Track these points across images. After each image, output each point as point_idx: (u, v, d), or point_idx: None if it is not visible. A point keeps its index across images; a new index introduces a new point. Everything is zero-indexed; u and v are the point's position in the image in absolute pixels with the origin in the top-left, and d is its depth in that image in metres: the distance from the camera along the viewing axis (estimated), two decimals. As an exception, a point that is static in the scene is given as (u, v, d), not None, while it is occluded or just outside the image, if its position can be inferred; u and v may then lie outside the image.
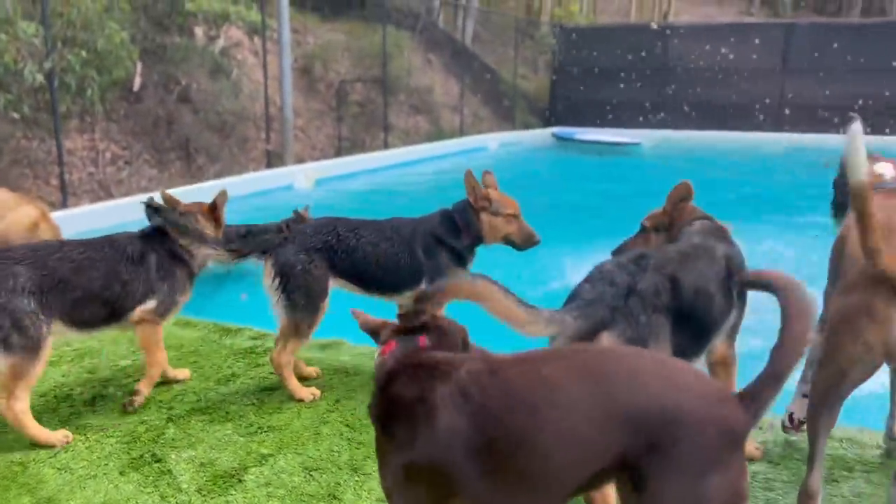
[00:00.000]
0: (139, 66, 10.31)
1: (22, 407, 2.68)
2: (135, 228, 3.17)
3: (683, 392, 1.45)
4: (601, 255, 2.58)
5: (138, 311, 2.97)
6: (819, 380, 2.20)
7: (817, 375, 2.22)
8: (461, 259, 3.33)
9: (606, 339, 2.01)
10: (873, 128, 16.91)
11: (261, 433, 2.85)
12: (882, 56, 17.37)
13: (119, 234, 3.06)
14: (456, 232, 3.32)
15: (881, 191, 2.81)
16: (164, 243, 3.07)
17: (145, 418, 2.99)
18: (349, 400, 3.16)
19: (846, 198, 2.82)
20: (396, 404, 1.57)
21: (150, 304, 2.99)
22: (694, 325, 2.26)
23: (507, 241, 3.39)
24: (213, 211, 3.25)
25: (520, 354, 1.61)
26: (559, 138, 17.99)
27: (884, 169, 2.88)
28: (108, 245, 2.96)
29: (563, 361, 1.54)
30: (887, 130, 16.81)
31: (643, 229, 2.86)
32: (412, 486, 1.56)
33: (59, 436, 2.76)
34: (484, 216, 3.34)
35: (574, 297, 2.13)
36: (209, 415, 3.00)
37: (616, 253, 2.79)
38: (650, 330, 2.09)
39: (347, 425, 2.93)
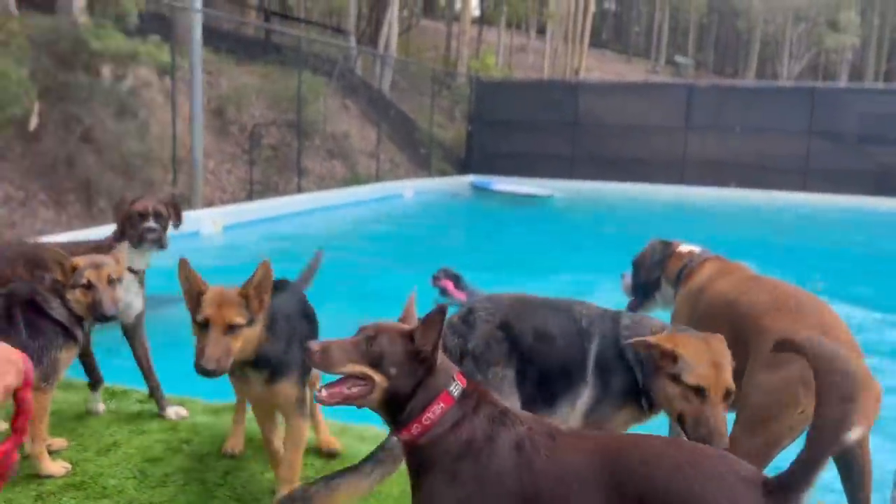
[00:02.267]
0: (37, 105, 9.86)
1: None
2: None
3: (699, 479, 1.48)
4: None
5: None
6: (750, 449, 2.23)
7: (745, 445, 2.25)
8: None
9: None
10: (763, 183, 18.07)
11: (141, 510, 2.65)
12: (772, 116, 18.62)
13: None
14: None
15: (710, 259, 2.99)
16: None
17: (9, 496, 2.73)
18: (240, 472, 2.99)
19: (650, 276, 3.00)
20: (465, 441, 1.69)
21: None
22: (537, 369, 2.23)
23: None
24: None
25: (569, 428, 1.81)
26: (476, 188, 18.31)
27: (690, 246, 3.12)
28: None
29: (592, 443, 1.68)
30: (773, 185, 17.95)
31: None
32: None
33: None
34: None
35: None
36: (84, 490, 2.78)
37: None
38: (491, 387, 2.06)
39: (238, 500, 2.77)
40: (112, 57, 10.91)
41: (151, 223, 3.24)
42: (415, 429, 1.71)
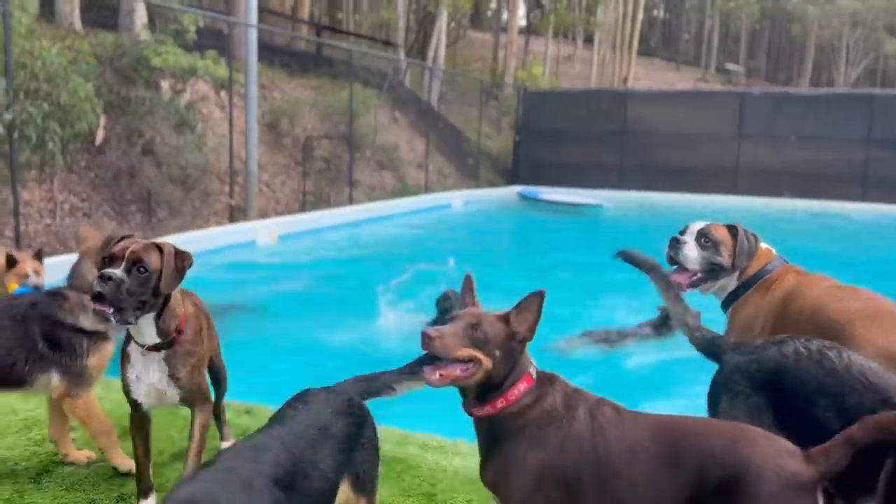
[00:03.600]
0: (103, 119, 10.24)
1: None
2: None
3: (750, 448, 1.72)
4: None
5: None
6: None
7: None
8: None
9: None
10: (819, 192, 17.62)
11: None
12: (829, 124, 18.17)
13: None
14: None
15: (791, 269, 2.90)
16: None
17: (92, 497, 2.85)
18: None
19: (737, 263, 2.93)
20: (547, 412, 1.89)
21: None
22: None
23: None
24: None
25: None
26: (524, 197, 18.27)
27: (769, 246, 3.04)
28: None
29: (651, 419, 1.89)
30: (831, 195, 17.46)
31: None
32: (544, 484, 1.85)
33: None
34: None
35: None
36: (162, 493, 2.88)
37: None
38: None
39: None
40: (171, 72, 11.26)
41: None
42: (499, 403, 1.90)
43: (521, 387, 1.91)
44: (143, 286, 2.32)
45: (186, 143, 11.36)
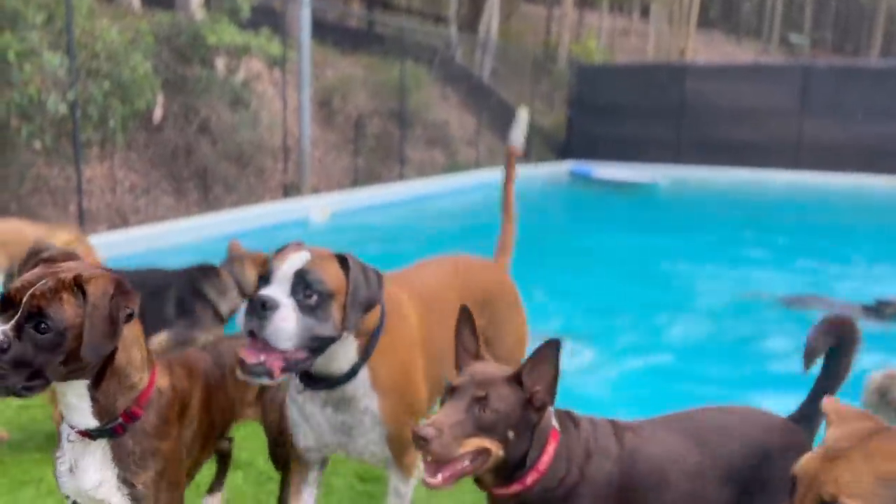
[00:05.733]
0: (161, 98, 10.43)
1: None
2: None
3: (764, 432, 1.77)
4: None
5: None
6: None
7: None
8: None
9: None
10: (889, 168, 16.88)
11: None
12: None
13: None
14: None
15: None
16: None
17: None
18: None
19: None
20: (580, 472, 1.70)
21: None
22: None
23: None
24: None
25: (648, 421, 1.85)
26: (575, 176, 17.99)
27: None
28: None
29: (677, 426, 1.80)
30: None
31: None
32: None
33: None
34: None
35: None
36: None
37: None
38: None
39: (361, 479, 2.85)
40: (226, 50, 11.38)
41: None
42: (530, 479, 1.59)
43: (550, 450, 1.60)
44: (44, 353, 1.48)
45: (241, 120, 11.50)
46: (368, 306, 1.87)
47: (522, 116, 2.38)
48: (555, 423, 1.65)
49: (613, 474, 1.65)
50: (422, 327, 2.06)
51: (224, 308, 3.18)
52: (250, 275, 3.15)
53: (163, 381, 1.76)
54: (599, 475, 1.64)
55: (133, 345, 1.66)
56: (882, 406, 3.05)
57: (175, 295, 3.08)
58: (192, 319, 3.10)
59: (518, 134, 2.46)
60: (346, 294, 1.82)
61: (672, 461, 1.70)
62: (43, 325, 1.47)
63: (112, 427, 1.66)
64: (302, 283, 1.79)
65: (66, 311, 1.49)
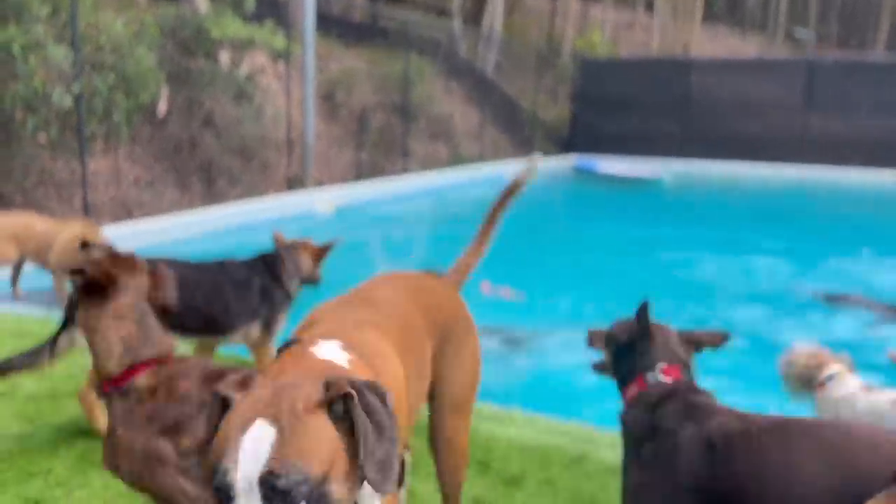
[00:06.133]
0: (165, 91, 10.43)
1: None
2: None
3: (871, 453, 1.59)
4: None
5: None
6: None
7: None
8: None
9: None
10: (893, 162, 16.85)
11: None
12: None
13: None
14: None
15: None
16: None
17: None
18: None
19: None
20: (653, 428, 1.75)
21: None
22: None
23: None
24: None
25: (775, 421, 1.72)
26: (579, 170, 17.95)
27: None
28: None
29: (805, 440, 1.63)
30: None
31: None
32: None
33: None
34: None
35: None
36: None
37: None
38: None
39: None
40: (230, 43, 11.37)
41: None
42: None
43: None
44: None
45: (245, 113, 11.51)
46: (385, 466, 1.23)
47: (536, 160, 2.47)
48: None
49: None
50: (405, 365, 1.76)
51: (293, 289, 3.66)
52: (306, 260, 3.69)
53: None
54: None
55: None
56: (798, 385, 3.01)
57: (259, 284, 3.51)
58: (272, 304, 3.56)
59: (528, 171, 2.52)
60: (347, 459, 1.22)
61: None
62: None
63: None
64: (277, 496, 1.14)
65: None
